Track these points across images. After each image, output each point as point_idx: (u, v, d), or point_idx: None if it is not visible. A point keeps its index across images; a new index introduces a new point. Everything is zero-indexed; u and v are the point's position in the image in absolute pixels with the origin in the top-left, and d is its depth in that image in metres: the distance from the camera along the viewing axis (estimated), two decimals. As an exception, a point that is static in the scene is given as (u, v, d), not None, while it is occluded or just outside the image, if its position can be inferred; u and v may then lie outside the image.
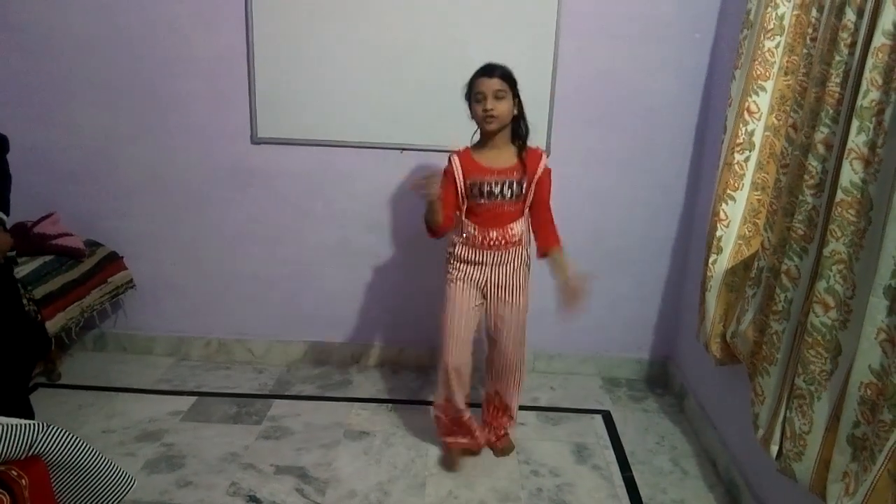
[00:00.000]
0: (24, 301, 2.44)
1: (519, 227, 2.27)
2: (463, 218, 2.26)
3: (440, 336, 2.31)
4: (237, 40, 2.78)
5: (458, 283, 2.29)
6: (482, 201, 2.22)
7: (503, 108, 2.15)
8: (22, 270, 2.56)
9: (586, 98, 2.81)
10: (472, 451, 2.46)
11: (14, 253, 2.27)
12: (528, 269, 2.35)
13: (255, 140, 2.89)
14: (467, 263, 2.29)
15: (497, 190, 2.20)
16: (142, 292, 3.10)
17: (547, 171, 2.27)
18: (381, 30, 2.74)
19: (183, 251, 3.06)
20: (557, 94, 2.80)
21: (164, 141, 2.92)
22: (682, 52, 2.74)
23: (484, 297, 2.32)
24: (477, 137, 2.27)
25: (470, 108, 2.20)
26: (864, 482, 1.35)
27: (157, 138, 2.92)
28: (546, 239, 2.30)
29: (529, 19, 2.72)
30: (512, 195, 2.22)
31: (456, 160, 2.24)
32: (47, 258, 2.72)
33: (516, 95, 2.20)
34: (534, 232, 2.33)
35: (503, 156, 2.23)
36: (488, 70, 2.15)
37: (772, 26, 1.97)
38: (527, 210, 2.28)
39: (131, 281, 3.06)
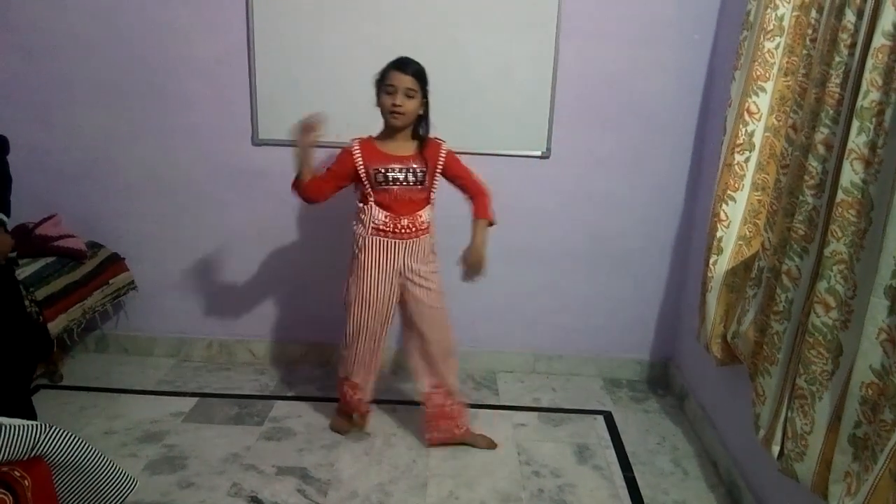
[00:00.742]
0: (26, 302, 2.45)
1: (427, 215, 2.34)
2: (373, 207, 2.30)
3: (355, 320, 2.38)
4: (238, 41, 2.78)
5: (372, 272, 2.33)
6: (388, 187, 2.27)
7: (411, 106, 2.22)
8: (23, 272, 2.56)
9: (586, 99, 2.82)
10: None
11: (15, 254, 2.28)
12: (436, 255, 2.42)
13: (256, 141, 2.90)
14: (379, 252, 2.32)
15: (401, 176, 2.27)
16: (143, 294, 3.10)
17: (450, 154, 2.33)
18: (382, 31, 2.74)
19: (184, 252, 3.07)
20: (557, 95, 2.80)
21: (165, 142, 2.93)
22: (682, 53, 2.75)
23: (400, 287, 2.38)
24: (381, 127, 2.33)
25: (377, 97, 2.26)
26: (865, 482, 1.35)
27: (159, 140, 2.92)
28: (478, 208, 2.34)
29: (530, 20, 2.73)
30: (416, 181, 2.28)
31: (356, 146, 2.30)
32: (49, 260, 2.72)
33: (425, 95, 2.26)
34: (470, 200, 2.37)
35: (404, 147, 2.30)
36: (402, 65, 2.21)
37: (771, 27, 1.98)
38: (432, 198, 2.35)
39: (133, 282, 3.06)
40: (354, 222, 2.38)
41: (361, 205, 2.34)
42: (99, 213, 3.01)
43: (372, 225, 2.31)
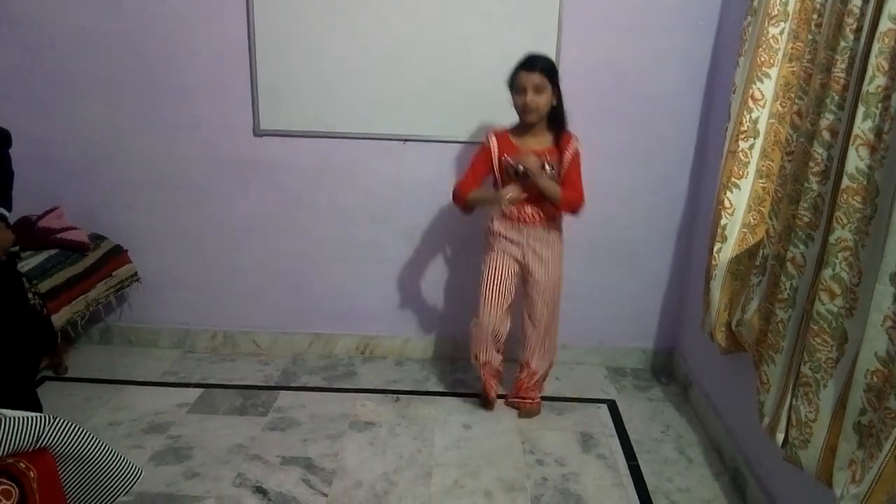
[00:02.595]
0: (30, 295, 2.45)
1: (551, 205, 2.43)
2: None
3: (479, 297, 2.54)
4: (239, 33, 2.77)
5: (497, 254, 2.50)
6: (518, 178, 2.36)
7: (542, 102, 2.31)
8: (27, 264, 2.57)
9: (589, 88, 2.80)
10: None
11: (17, 248, 2.28)
12: (561, 242, 2.55)
13: (258, 132, 2.89)
14: (505, 238, 2.48)
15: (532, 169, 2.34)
16: (147, 285, 3.11)
17: (575, 153, 2.41)
18: (383, 21, 2.73)
19: (187, 244, 3.07)
20: (560, 86, 2.78)
21: (166, 134, 2.92)
22: (686, 40, 2.72)
23: (521, 270, 2.52)
24: (517, 121, 2.43)
25: (512, 97, 2.36)
26: (870, 469, 1.35)
27: (160, 131, 2.92)
28: (571, 208, 2.43)
29: (532, 10, 2.70)
30: (547, 175, 2.36)
31: (493, 139, 2.41)
32: (52, 252, 2.72)
33: (556, 86, 2.35)
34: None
35: (539, 140, 2.41)
36: (530, 64, 2.30)
37: (776, 13, 1.96)
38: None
39: (136, 274, 3.06)
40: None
41: (495, 190, 2.46)
42: (101, 205, 3.01)
43: (500, 211, 2.45)
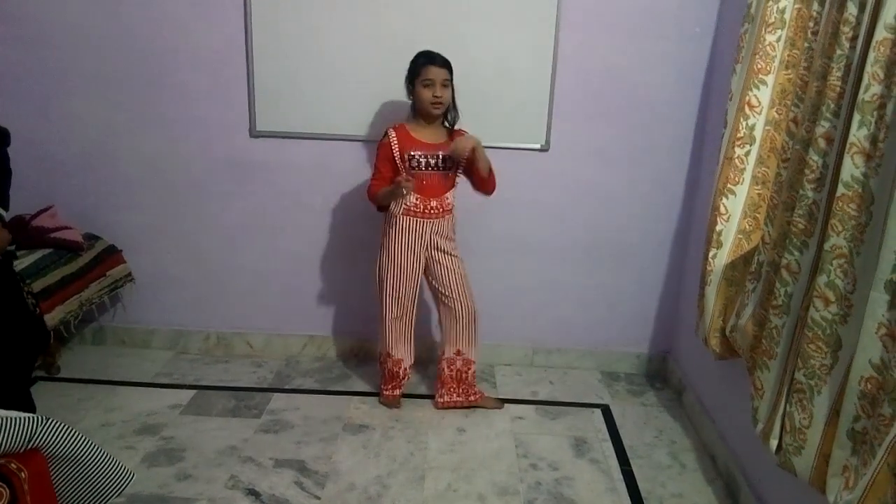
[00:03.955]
0: (24, 294, 2.44)
1: (451, 196, 2.55)
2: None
3: (389, 295, 2.60)
4: (236, 33, 2.77)
5: (400, 247, 2.55)
6: (420, 172, 2.46)
7: (447, 96, 2.44)
8: (20, 264, 2.55)
9: (586, 92, 2.81)
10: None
11: (13, 247, 2.27)
12: (454, 231, 2.62)
13: (254, 133, 2.89)
14: (410, 231, 2.53)
15: (433, 161, 2.47)
16: (141, 286, 3.10)
17: (476, 144, 2.46)
18: (381, 22, 2.73)
19: (182, 244, 3.06)
20: (557, 88, 2.79)
21: (162, 134, 2.91)
22: (683, 46, 2.74)
23: (426, 261, 2.59)
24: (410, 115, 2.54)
25: (411, 91, 2.46)
26: (863, 476, 1.35)
27: (156, 131, 2.91)
28: (490, 185, 2.55)
29: (529, 13, 2.71)
30: (446, 167, 2.49)
31: (392, 134, 2.48)
32: (46, 251, 2.71)
33: (452, 82, 2.46)
34: (477, 185, 2.56)
35: (436, 134, 2.51)
36: (436, 59, 2.41)
37: (773, 20, 1.96)
38: (457, 181, 2.56)
39: (130, 274, 3.05)
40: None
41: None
42: (96, 204, 3.00)
43: (403, 206, 2.50)
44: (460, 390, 2.73)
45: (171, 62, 2.82)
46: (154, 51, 2.81)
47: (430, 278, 2.63)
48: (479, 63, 2.76)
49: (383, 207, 2.56)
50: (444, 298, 2.62)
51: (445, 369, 2.70)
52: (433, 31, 2.73)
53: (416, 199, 2.48)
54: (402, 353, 2.71)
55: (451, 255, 2.59)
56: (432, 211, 2.51)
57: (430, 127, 2.50)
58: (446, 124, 2.53)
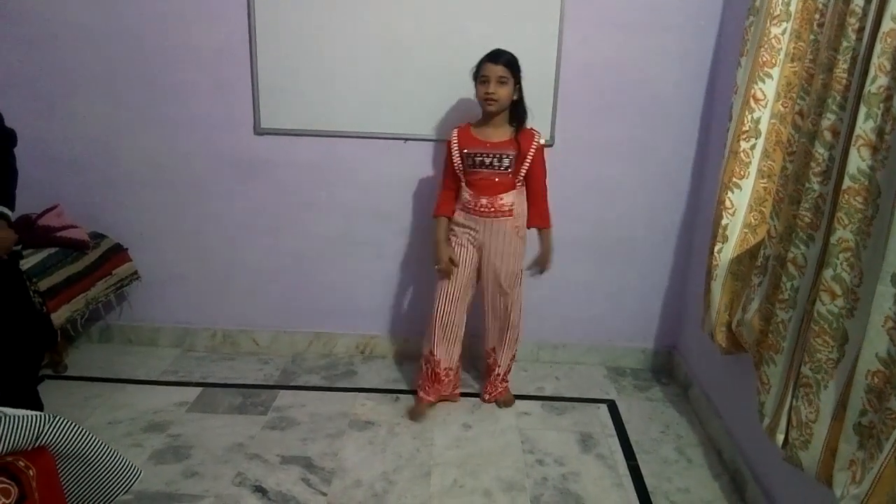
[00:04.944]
0: (30, 293, 2.45)
1: (509, 199, 2.49)
2: (463, 186, 2.52)
3: (437, 290, 2.59)
4: (239, 30, 2.76)
5: (455, 244, 2.55)
6: (476, 170, 2.47)
7: (504, 93, 2.40)
8: (27, 263, 2.56)
9: (591, 86, 2.80)
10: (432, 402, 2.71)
11: (20, 247, 2.28)
12: (522, 240, 2.57)
13: (258, 131, 2.89)
14: (462, 227, 2.54)
15: (488, 161, 2.45)
16: (147, 284, 3.11)
17: (539, 148, 2.49)
18: (384, 19, 2.72)
19: (187, 242, 3.06)
20: (562, 82, 2.78)
21: (167, 132, 2.92)
22: (688, 39, 2.72)
23: (479, 259, 2.56)
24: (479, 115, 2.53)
25: (476, 88, 2.45)
26: (870, 470, 1.35)
27: (160, 129, 2.91)
28: (535, 216, 2.56)
29: (534, 7, 2.70)
30: (503, 167, 2.46)
31: (455, 133, 2.53)
32: (52, 250, 2.72)
33: (518, 82, 2.44)
34: (528, 205, 2.55)
35: (499, 133, 2.48)
36: (494, 56, 2.39)
37: (778, 12, 1.95)
38: (518, 184, 2.49)
39: (136, 273, 3.06)
40: None
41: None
42: (101, 203, 3.01)
43: (461, 201, 2.54)
44: (484, 385, 2.78)
45: (175, 60, 2.82)
46: (158, 49, 2.81)
47: (483, 278, 2.60)
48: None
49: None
50: (490, 299, 2.62)
51: (483, 360, 2.80)
52: (436, 28, 2.72)
53: (469, 196, 2.50)
54: (443, 353, 2.63)
55: (506, 261, 2.53)
56: (482, 209, 2.48)
57: (492, 126, 2.48)
58: (515, 123, 2.48)
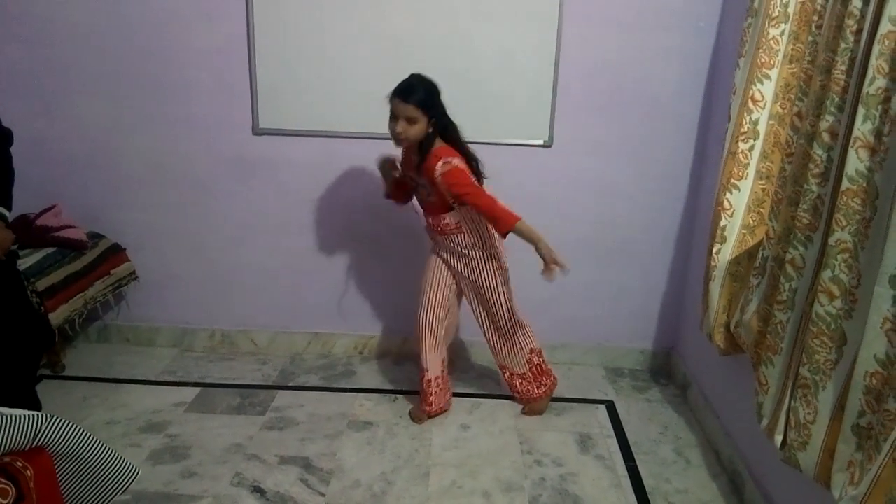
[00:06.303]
0: (28, 293, 2.44)
1: (452, 218, 2.43)
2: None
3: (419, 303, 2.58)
4: (238, 30, 2.76)
5: (427, 259, 2.60)
6: (416, 189, 2.49)
7: (413, 132, 2.28)
8: (24, 263, 2.56)
9: (589, 87, 2.80)
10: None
11: (17, 247, 2.27)
12: (483, 250, 2.49)
13: (257, 131, 2.89)
14: (431, 244, 2.60)
15: (415, 185, 2.47)
16: (145, 284, 3.10)
17: (445, 174, 2.28)
18: (383, 18, 2.73)
19: (186, 242, 3.06)
20: (560, 83, 2.79)
21: (165, 132, 2.91)
22: (686, 40, 2.72)
23: (452, 274, 2.58)
24: None
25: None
26: (868, 471, 1.35)
27: (159, 129, 2.91)
28: (499, 225, 2.30)
29: (532, 8, 2.70)
30: (427, 192, 2.40)
31: (399, 153, 2.51)
32: (50, 250, 2.72)
33: (433, 116, 2.29)
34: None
35: (412, 160, 2.42)
36: (405, 93, 2.25)
37: (776, 14, 1.95)
38: (453, 204, 2.38)
39: (134, 273, 3.06)
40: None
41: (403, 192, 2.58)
42: (100, 203, 3.01)
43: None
44: (522, 398, 2.74)
45: (174, 60, 2.82)
46: (156, 49, 2.81)
47: (462, 292, 2.64)
48: (482, 59, 2.75)
49: (397, 197, 2.58)
50: (481, 316, 2.63)
51: (506, 383, 2.78)
52: (435, 27, 2.72)
53: (423, 214, 2.54)
54: (425, 362, 2.60)
55: (478, 277, 2.51)
56: (431, 228, 2.51)
57: (407, 152, 2.47)
58: (420, 153, 2.35)
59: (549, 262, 2.29)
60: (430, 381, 2.59)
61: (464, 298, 2.67)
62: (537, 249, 2.30)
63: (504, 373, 2.73)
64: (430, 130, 2.31)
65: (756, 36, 2.04)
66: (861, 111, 1.44)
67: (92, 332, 3.19)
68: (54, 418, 1.52)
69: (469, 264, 2.51)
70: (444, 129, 2.35)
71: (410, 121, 2.26)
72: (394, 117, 2.29)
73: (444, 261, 2.56)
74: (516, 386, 2.71)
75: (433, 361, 2.59)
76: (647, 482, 2.30)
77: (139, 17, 2.77)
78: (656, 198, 2.92)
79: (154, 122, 2.90)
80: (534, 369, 2.69)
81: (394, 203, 2.61)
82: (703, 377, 2.73)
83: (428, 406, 2.61)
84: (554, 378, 2.73)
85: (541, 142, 2.86)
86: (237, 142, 2.90)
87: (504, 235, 2.31)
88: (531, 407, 2.71)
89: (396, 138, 2.32)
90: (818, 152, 1.60)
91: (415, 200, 2.56)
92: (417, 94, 2.25)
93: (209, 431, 2.51)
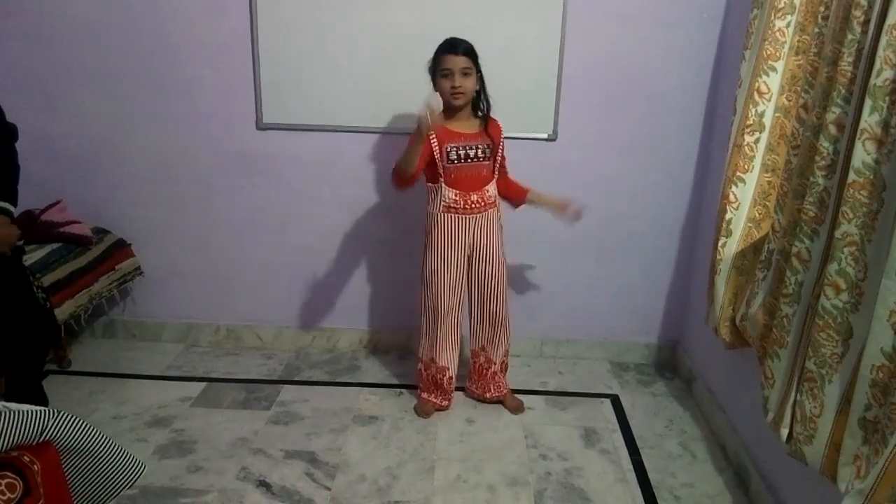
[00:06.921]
0: (34, 289, 2.45)
1: (493, 189, 2.47)
2: (443, 186, 2.39)
3: (432, 298, 2.52)
4: (242, 26, 2.76)
5: (444, 248, 2.46)
6: (461, 164, 2.37)
7: (469, 85, 2.31)
8: (30, 258, 2.57)
9: (594, 80, 2.79)
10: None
11: (22, 242, 2.28)
12: (502, 230, 2.55)
13: (261, 126, 2.89)
14: (452, 230, 2.44)
15: (472, 153, 2.38)
16: (150, 279, 3.11)
17: (503, 139, 2.46)
18: (387, 13, 2.72)
19: (190, 238, 3.07)
20: (564, 76, 2.77)
21: (169, 127, 2.92)
22: (691, 32, 2.71)
23: (468, 259, 2.51)
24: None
25: (434, 82, 2.34)
26: (875, 465, 1.34)
27: (163, 125, 2.91)
28: (517, 192, 2.54)
29: (537, 2, 2.69)
30: (485, 157, 2.40)
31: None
32: (55, 246, 2.73)
33: (479, 70, 2.35)
34: (504, 192, 2.53)
35: (468, 124, 2.41)
36: (454, 47, 2.28)
37: (782, 5, 1.94)
38: (496, 174, 2.46)
39: (139, 268, 3.07)
40: (427, 203, 2.49)
41: (431, 185, 2.44)
42: (104, 198, 3.01)
43: (443, 203, 2.41)
44: (479, 384, 2.71)
45: (177, 56, 2.82)
46: (160, 45, 2.81)
47: (471, 275, 2.55)
48: (486, 53, 2.71)
49: (408, 177, 2.30)
50: (480, 296, 2.57)
51: (471, 360, 2.71)
52: (439, 22, 2.71)
53: (456, 195, 2.39)
54: (447, 360, 2.61)
55: (495, 254, 2.50)
56: (473, 206, 2.41)
57: (460, 118, 2.39)
58: (480, 114, 2.43)
59: (562, 205, 2.49)
60: (451, 378, 2.62)
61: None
62: (548, 202, 2.51)
63: (478, 357, 2.67)
64: (479, 87, 2.36)
65: (762, 27, 2.02)
66: (868, 103, 1.42)
67: (98, 328, 3.20)
68: (61, 413, 1.53)
69: (494, 243, 2.50)
70: (480, 96, 2.41)
71: (465, 73, 2.28)
72: (447, 75, 2.28)
73: (462, 251, 2.46)
74: (484, 373, 2.67)
75: (454, 360, 2.62)
76: (653, 476, 2.30)
77: (142, 14, 2.77)
78: (661, 191, 2.91)
79: (157, 118, 2.90)
80: (504, 367, 2.71)
81: (398, 190, 2.39)
82: (708, 371, 2.72)
83: (447, 401, 2.64)
84: (507, 391, 2.72)
85: (545, 135, 2.86)
86: (241, 137, 2.90)
87: (526, 200, 2.52)
88: (517, 405, 2.69)
89: (455, 95, 2.29)
90: (824, 144, 1.59)
91: (444, 188, 2.37)
92: (465, 44, 2.29)
93: (215, 426, 2.52)
